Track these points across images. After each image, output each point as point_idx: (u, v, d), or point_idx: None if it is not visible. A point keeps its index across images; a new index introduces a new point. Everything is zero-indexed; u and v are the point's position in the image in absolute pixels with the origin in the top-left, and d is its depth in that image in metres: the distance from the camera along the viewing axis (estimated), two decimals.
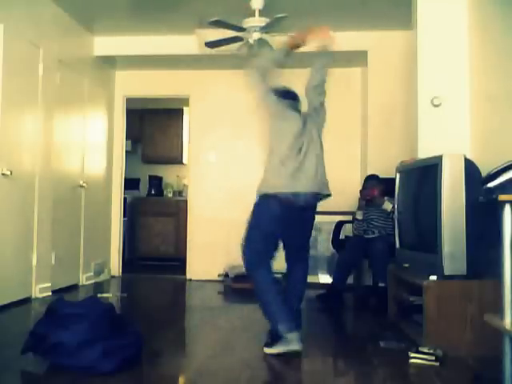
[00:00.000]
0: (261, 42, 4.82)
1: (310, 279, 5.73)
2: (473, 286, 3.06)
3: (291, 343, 2.93)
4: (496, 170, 2.55)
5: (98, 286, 5.64)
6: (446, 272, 3.10)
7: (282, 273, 3.27)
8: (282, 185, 3.07)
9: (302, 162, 3.11)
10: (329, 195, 3.23)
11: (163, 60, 6.20)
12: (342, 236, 5.38)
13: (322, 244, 5.81)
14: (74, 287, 5.38)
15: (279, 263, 3.29)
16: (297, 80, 3.29)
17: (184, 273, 6.47)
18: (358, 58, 5.79)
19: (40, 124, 4.79)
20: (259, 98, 3.21)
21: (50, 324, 2.65)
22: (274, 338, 3.01)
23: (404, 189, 3.90)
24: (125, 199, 6.92)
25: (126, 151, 6.83)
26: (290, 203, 3.05)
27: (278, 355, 2.93)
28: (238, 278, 5.68)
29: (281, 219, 3.09)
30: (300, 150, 3.12)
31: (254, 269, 3.11)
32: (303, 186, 3.09)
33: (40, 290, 4.71)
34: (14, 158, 4.37)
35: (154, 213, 7.86)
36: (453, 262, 3.09)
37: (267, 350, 2.99)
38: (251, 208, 3.17)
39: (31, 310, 4.34)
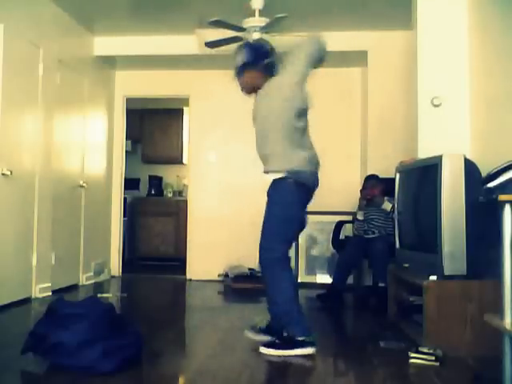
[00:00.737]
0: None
1: (310, 279, 5.79)
2: (473, 286, 3.05)
3: (308, 347, 2.92)
4: (496, 170, 2.55)
5: (98, 286, 5.64)
6: (446, 272, 3.10)
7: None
8: (304, 163, 3.04)
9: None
10: None
11: (163, 60, 6.20)
12: (342, 236, 5.38)
13: (322, 244, 5.81)
14: (74, 287, 5.38)
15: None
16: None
17: (184, 273, 6.47)
18: (358, 57, 5.79)
19: (40, 124, 4.78)
20: (299, 75, 2.99)
21: (50, 324, 2.65)
22: (287, 339, 2.96)
23: (404, 189, 3.90)
24: (125, 199, 6.92)
25: (126, 151, 6.84)
26: (309, 184, 3.06)
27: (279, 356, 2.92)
28: (238, 278, 5.69)
29: (302, 203, 3.08)
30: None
31: (282, 267, 3.00)
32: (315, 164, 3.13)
33: (40, 290, 4.71)
34: (14, 158, 4.37)
35: (154, 213, 7.87)
36: (453, 261, 3.09)
37: (276, 352, 2.93)
38: (256, 203, 3.11)
39: (31, 310, 4.34)
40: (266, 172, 3.11)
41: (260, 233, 3.07)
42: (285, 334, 3.01)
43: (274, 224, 3.02)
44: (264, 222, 3.06)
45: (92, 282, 5.77)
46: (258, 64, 3.10)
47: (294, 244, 3.10)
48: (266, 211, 3.06)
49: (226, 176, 6.45)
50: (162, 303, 5.11)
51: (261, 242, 3.05)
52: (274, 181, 3.04)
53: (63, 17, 5.29)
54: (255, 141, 3.16)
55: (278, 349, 2.95)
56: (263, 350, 2.97)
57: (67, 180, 5.34)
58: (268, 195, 3.07)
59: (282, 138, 3.02)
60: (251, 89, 3.16)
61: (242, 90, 3.22)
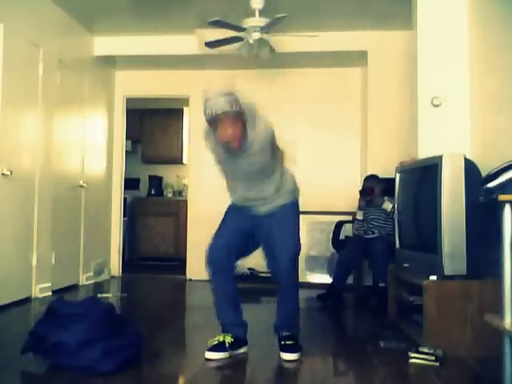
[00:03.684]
0: (261, 42, 4.82)
1: (310, 279, 5.78)
2: (473, 286, 3.05)
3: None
4: (496, 170, 2.55)
5: (98, 286, 5.64)
6: (446, 272, 3.10)
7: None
8: None
9: None
10: None
11: (163, 60, 6.21)
12: (342, 236, 5.38)
13: (322, 244, 5.81)
14: (74, 287, 5.38)
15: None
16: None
17: (184, 273, 6.47)
18: (357, 57, 5.79)
19: (40, 124, 4.78)
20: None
21: (50, 324, 2.65)
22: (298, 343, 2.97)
23: (404, 189, 3.90)
24: (125, 199, 6.92)
25: (126, 151, 6.83)
26: None
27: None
28: (238, 277, 5.67)
29: None
30: None
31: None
32: None
33: (40, 290, 4.71)
34: (14, 158, 4.37)
35: (154, 213, 7.87)
36: (453, 261, 3.09)
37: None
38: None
39: (31, 310, 4.34)
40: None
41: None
42: (285, 334, 2.99)
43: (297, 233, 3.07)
44: (290, 231, 3.04)
45: (92, 282, 5.77)
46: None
47: None
48: (286, 226, 3.05)
49: None
50: (161, 303, 5.11)
51: (291, 252, 2.97)
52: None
53: (63, 17, 5.29)
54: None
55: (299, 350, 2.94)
56: (294, 356, 2.90)
57: (67, 180, 5.34)
58: (282, 213, 3.08)
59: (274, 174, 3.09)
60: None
61: (231, 144, 2.81)
